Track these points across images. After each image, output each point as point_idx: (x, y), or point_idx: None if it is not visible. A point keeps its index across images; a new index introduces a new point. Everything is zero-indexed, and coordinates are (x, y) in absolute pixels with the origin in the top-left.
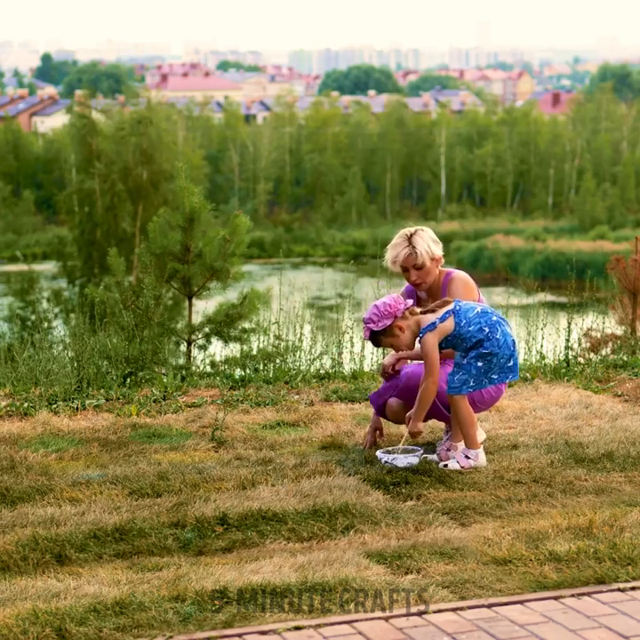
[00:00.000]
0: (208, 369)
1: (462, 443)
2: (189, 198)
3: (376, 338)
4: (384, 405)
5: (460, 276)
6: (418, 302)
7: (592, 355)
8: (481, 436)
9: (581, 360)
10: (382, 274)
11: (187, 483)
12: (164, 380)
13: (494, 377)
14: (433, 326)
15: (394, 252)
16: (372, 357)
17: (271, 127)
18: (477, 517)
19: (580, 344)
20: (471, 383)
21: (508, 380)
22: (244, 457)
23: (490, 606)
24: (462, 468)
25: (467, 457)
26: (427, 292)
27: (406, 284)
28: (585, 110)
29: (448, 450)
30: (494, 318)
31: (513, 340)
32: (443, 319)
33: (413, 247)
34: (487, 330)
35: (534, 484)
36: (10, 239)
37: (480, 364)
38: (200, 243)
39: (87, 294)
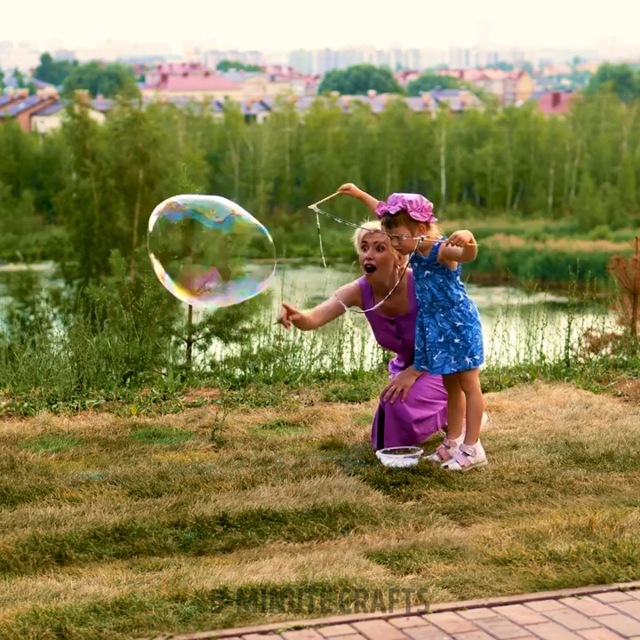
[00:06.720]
0: (208, 369)
1: (460, 438)
2: None
3: (395, 218)
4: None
5: None
6: (371, 300)
7: (592, 355)
8: (483, 418)
9: (581, 360)
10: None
11: (187, 483)
12: (164, 380)
13: (477, 357)
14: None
15: (372, 225)
16: (373, 357)
17: (271, 127)
18: (477, 517)
19: (580, 344)
20: (452, 361)
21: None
22: (244, 457)
23: (490, 606)
24: (463, 467)
25: (465, 454)
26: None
27: (358, 280)
28: (585, 110)
29: (447, 447)
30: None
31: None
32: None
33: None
34: (463, 297)
35: (534, 484)
36: (10, 239)
37: (457, 340)
38: (201, 243)
39: (87, 294)
